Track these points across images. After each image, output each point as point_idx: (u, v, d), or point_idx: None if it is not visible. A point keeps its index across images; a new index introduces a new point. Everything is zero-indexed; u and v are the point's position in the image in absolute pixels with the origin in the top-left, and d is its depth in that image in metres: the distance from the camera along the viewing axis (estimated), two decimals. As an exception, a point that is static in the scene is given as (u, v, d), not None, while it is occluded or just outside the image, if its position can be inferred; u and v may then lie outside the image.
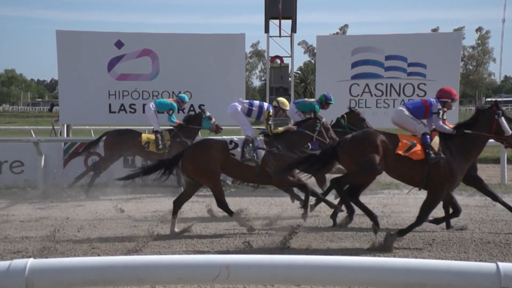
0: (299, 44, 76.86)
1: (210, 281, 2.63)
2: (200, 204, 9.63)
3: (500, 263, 2.56)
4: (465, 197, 10.52)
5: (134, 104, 12.29)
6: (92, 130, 19.17)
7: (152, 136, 10.82)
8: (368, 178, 7.15)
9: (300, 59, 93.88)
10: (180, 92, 12.28)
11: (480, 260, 5.94)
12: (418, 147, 6.68)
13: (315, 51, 25.07)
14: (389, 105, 12.27)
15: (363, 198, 9.97)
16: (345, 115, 9.61)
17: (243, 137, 7.93)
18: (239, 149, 7.63)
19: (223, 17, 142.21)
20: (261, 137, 7.93)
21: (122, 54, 12.18)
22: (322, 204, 8.05)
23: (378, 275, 2.59)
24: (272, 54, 13.03)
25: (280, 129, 8.09)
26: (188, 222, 7.91)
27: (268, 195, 10.50)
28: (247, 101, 8.79)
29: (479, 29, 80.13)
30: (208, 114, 10.88)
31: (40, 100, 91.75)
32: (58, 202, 9.89)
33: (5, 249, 6.50)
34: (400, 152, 6.65)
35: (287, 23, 12.75)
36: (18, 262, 2.61)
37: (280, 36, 12.73)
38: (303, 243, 6.58)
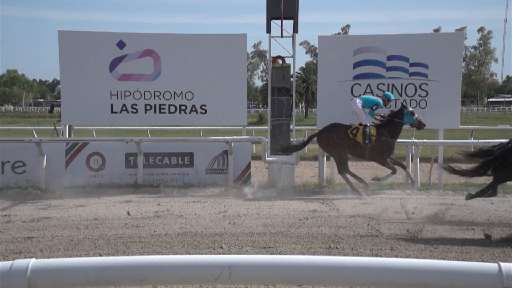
0: (301, 44, 77.24)
1: (212, 281, 2.63)
2: (201, 204, 9.65)
3: (502, 263, 2.56)
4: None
5: (136, 105, 12.29)
6: (94, 131, 19.23)
7: (359, 126, 11.05)
8: None
9: (302, 59, 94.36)
10: (181, 93, 12.30)
11: (482, 261, 5.94)
12: None
13: (317, 51, 25.02)
14: (391, 106, 12.25)
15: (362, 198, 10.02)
16: None
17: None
18: None
19: (225, 18, 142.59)
20: None
21: (124, 55, 12.18)
22: None
23: (380, 275, 2.59)
24: (274, 54, 13.00)
25: None
26: (191, 222, 7.93)
27: (268, 196, 10.51)
28: None
29: (481, 29, 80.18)
30: (410, 109, 11.11)
31: (42, 100, 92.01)
32: (60, 202, 9.91)
33: (7, 249, 6.51)
34: None
35: (289, 23, 12.73)
36: (20, 262, 2.61)
37: (282, 36, 12.70)
38: None
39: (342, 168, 11.02)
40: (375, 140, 10.87)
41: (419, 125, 11.09)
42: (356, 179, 11.00)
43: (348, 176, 11.01)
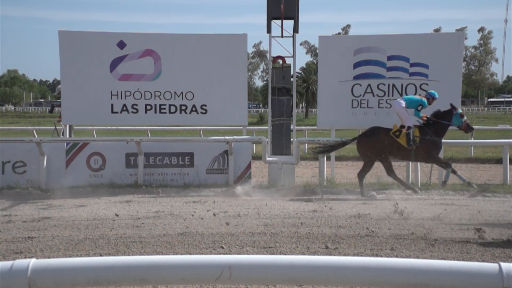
0: (301, 44, 77.26)
1: (212, 281, 2.63)
2: (202, 204, 9.65)
3: (502, 264, 2.56)
4: (466, 197, 10.54)
5: (136, 105, 12.29)
6: (94, 131, 19.24)
7: (400, 129, 10.67)
8: None
9: (302, 59, 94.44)
10: (182, 93, 12.30)
11: (483, 261, 5.93)
12: None
13: (317, 51, 25.04)
14: (391, 106, 12.25)
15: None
16: None
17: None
18: None
19: (225, 18, 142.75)
20: None
21: (125, 55, 12.18)
22: None
23: (380, 275, 2.59)
24: (274, 54, 13.00)
25: None
26: (191, 222, 7.94)
27: (269, 196, 10.51)
28: None
29: (481, 29, 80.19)
30: (459, 111, 10.68)
31: (42, 100, 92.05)
32: (60, 202, 9.91)
33: (8, 249, 6.51)
34: None
35: (289, 23, 12.74)
36: (20, 262, 2.62)
37: (282, 36, 12.71)
38: None
39: (389, 173, 10.71)
40: (419, 141, 10.49)
41: (467, 128, 10.70)
42: (402, 185, 10.72)
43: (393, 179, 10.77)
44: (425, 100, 10.85)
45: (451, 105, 10.77)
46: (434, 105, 11.59)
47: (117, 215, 8.53)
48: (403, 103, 10.74)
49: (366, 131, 11.10)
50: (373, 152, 10.73)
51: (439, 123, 10.64)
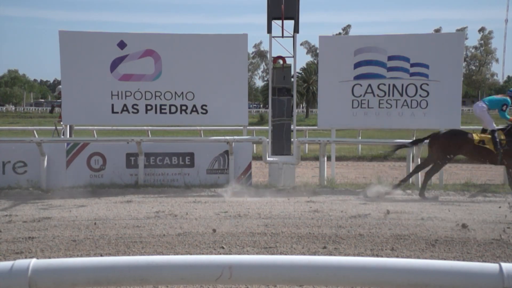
0: (301, 44, 77.33)
1: (212, 281, 2.63)
2: (202, 204, 9.65)
3: (503, 264, 2.56)
4: (467, 197, 10.54)
5: (136, 105, 12.30)
6: (95, 131, 19.25)
7: (483, 136, 10.42)
8: None
9: (302, 59, 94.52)
10: (182, 93, 12.30)
11: (483, 261, 5.93)
12: None
13: (317, 51, 25.06)
14: (391, 106, 12.26)
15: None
16: None
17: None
18: None
19: (225, 17, 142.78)
20: None
21: (125, 55, 12.18)
22: None
23: (380, 275, 2.59)
24: (274, 54, 13.00)
25: None
26: (191, 222, 7.94)
27: (269, 196, 10.52)
28: None
29: (481, 29, 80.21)
30: None
31: (43, 100, 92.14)
32: (61, 202, 9.92)
33: (8, 249, 6.52)
34: None
35: (289, 24, 12.74)
36: (21, 262, 2.62)
37: (282, 36, 12.71)
38: None
39: (429, 175, 10.54)
40: (507, 143, 10.19)
41: None
42: (421, 189, 10.50)
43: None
44: (508, 98, 10.60)
45: None
46: (435, 104, 11.57)
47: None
48: (485, 106, 10.51)
49: (448, 132, 10.74)
50: (444, 153, 10.44)
51: None
